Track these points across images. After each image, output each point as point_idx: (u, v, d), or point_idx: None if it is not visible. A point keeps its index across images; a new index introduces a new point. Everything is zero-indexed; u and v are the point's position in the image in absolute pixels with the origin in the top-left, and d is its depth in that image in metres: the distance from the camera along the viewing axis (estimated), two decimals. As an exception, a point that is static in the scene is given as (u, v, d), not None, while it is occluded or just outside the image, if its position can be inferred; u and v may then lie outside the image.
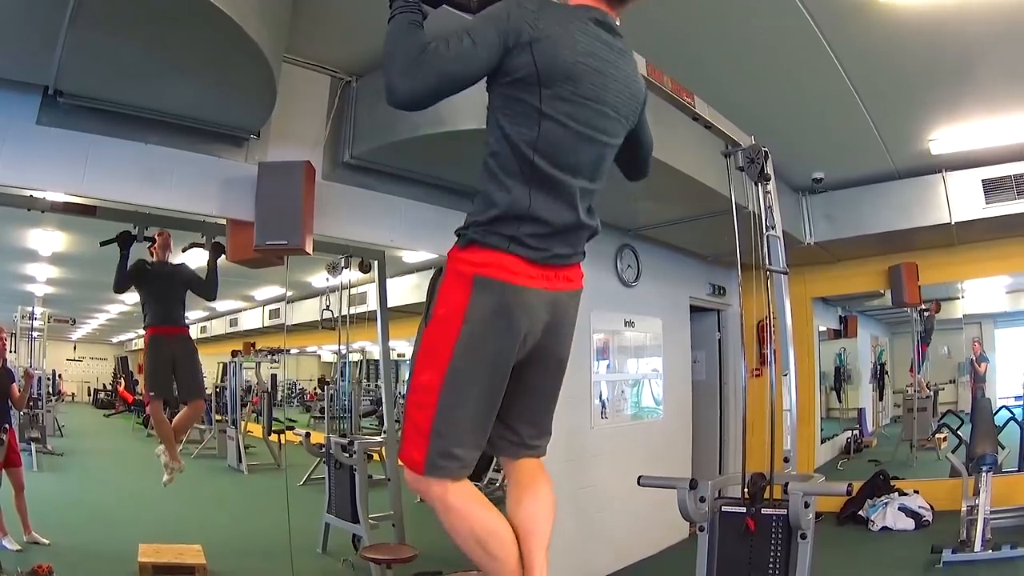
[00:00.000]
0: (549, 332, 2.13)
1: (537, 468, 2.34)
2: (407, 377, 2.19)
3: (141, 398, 6.08)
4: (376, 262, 5.43)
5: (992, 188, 6.70)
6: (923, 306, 8.68)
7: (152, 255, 5.13)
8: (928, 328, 9.16)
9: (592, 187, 2.18)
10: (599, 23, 2.14)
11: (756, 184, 4.10)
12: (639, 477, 4.12)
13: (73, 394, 6.24)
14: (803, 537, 3.66)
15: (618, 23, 2.21)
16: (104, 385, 6.52)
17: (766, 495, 3.91)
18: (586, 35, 2.08)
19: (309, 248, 4.13)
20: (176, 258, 5.25)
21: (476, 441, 2.07)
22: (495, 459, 3.07)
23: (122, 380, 6.55)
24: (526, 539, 2.16)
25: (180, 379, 5.24)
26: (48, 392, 5.77)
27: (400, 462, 2.12)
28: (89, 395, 6.45)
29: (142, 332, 5.22)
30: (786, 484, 3.73)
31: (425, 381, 2.02)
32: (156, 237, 5.02)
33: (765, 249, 4.14)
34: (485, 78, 2.05)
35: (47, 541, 4.81)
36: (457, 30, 1.96)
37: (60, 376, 6.08)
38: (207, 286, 5.18)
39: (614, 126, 2.19)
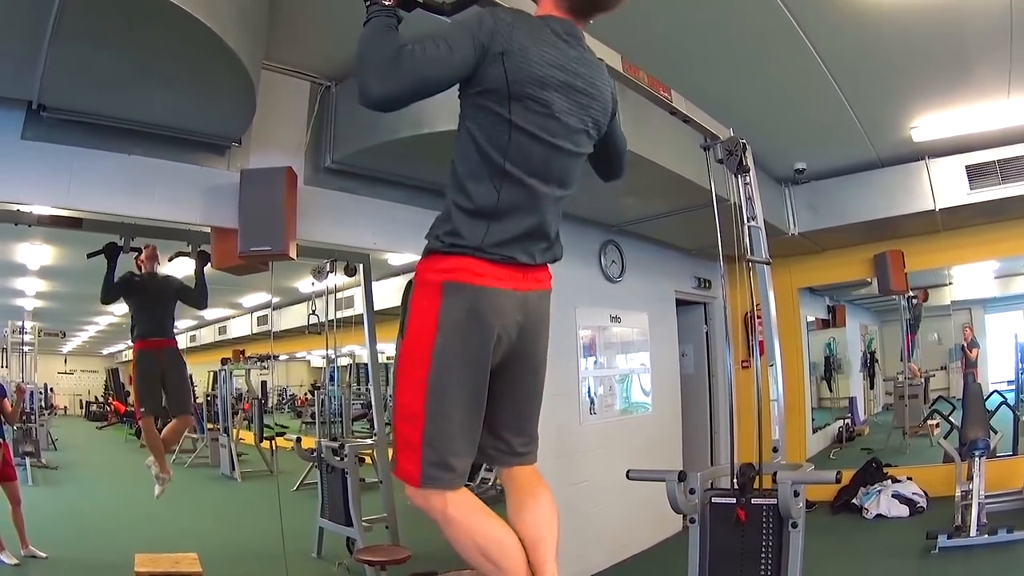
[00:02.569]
0: (523, 333, 2.15)
1: (532, 475, 2.35)
2: (391, 390, 2.21)
3: (133, 409, 6.08)
4: (361, 265, 5.45)
5: (976, 174, 6.73)
6: (911, 293, 8.70)
7: (139, 267, 5.13)
8: (917, 316, 9.19)
9: (562, 194, 2.20)
10: (567, 35, 2.16)
11: (736, 176, 4.11)
12: (628, 471, 4.14)
13: (65, 407, 6.24)
14: (794, 526, 3.67)
15: (584, 36, 2.24)
16: (96, 397, 6.52)
17: (756, 485, 3.92)
18: (556, 48, 2.10)
19: (293, 253, 4.14)
20: (163, 268, 5.25)
21: (467, 448, 2.09)
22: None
23: (113, 392, 6.55)
24: (534, 548, 2.16)
25: (169, 393, 5.25)
26: (41, 406, 5.76)
27: (396, 476, 2.12)
28: (81, 408, 6.44)
29: (132, 344, 5.22)
30: (775, 474, 3.74)
31: (409, 395, 2.05)
32: (143, 249, 5.02)
33: (747, 240, 4.16)
34: (458, 85, 2.07)
35: (44, 555, 4.81)
36: (432, 35, 1.98)
37: (52, 390, 6.08)
38: (196, 295, 5.18)
39: (582, 137, 2.22)
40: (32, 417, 5.58)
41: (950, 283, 9.04)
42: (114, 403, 6.51)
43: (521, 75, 2.01)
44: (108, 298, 5.04)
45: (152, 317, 5.23)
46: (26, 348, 5.55)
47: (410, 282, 2.17)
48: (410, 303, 2.10)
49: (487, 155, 2.03)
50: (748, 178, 4.15)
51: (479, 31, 1.99)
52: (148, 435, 5.13)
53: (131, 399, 6.08)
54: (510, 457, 2.30)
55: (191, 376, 6.01)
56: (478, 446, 2.16)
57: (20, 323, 5.59)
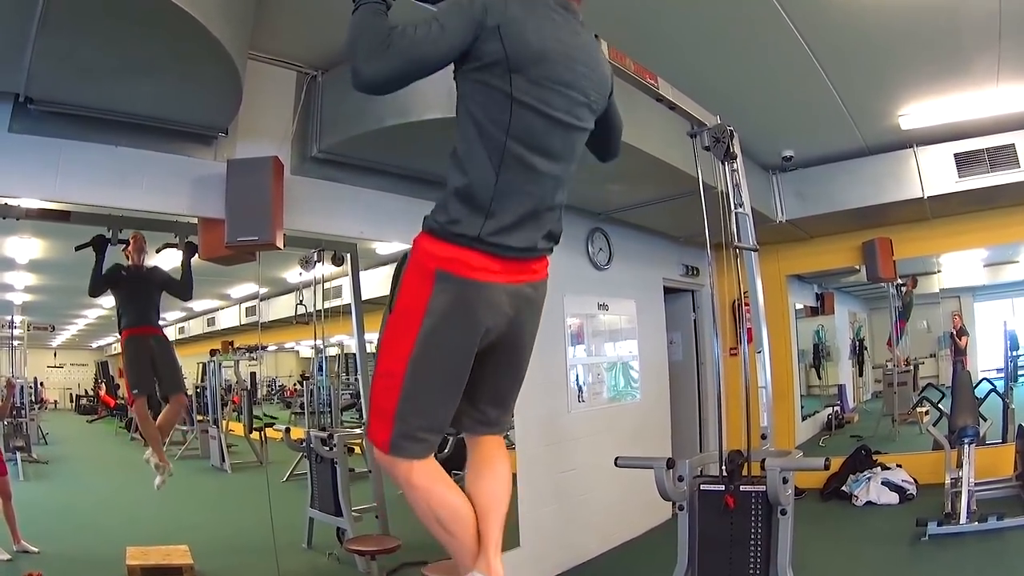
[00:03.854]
0: (513, 323, 2.17)
1: (496, 446, 2.40)
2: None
3: (123, 402, 6.07)
4: (348, 255, 5.46)
5: (964, 162, 6.75)
6: (900, 281, 8.73)
7: (127, 258, 5.11)
8: (907, 304, 9.22)
9: (564, 171, 2.19)
10: (563, 8, 2.16)
11: (723, 163, 4.12)
12: (616, 458, 4.15)
13: (56, 401, 6.20)
14: (783, 513, 3.69)
15: (579, 12, 2.24)
16: (86, 391, 6.49)
17: (744, 472, 3.93)
18: (553, 21, 2.10)
19: (280, 243, 4.13)
20: (151, 259, 5.23)
21: (439, 424, 2.14)
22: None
23: (103, 385, 6.52)
24: (484, 517, 2.23)
25: (160, 375, 5.25)
26: (31, 400, 5.73)
27: (367, 438, 2.20)
28: (71, 401, 6.41)
29: (119, 335, 5.21)
30: (763, 460, 3.75)
31: (389, 368, 2.08)
32: (130, 240, 5.01)
33: (734, 227, 4.16)
34: (452, 65, 2.06)
35: (36, 549, 4.79)
36: (425, 17, 1.98)
37: (42, 384, 6.05)
38: (182, 287, 5.17)
39: (584, 111, 2.21)
40: (23, 412, 5.56)
41: (939, 271, 9.08)
42: (103, 396, 6.47)
43: (520, 47, 2.00)
44: (96, 291, 5.03)
45: (138, 308, 5.22)
46: (15, 343, 5.52)
47: (404, 257, 2.16)
48: (402, 279, 2.11)
49: (488, 133, 2.02)
50: (735, 165, 4.16)
51: (471, 8, 1.99)
52: (142, 421, 5.13)
53: (121, 391, 6.05)
54: (482, 426, 2.36)
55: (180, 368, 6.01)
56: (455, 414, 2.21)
57: (9, 317, 5.56)
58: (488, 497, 2.27)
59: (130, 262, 5.12)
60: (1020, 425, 7.05)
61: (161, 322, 5.46)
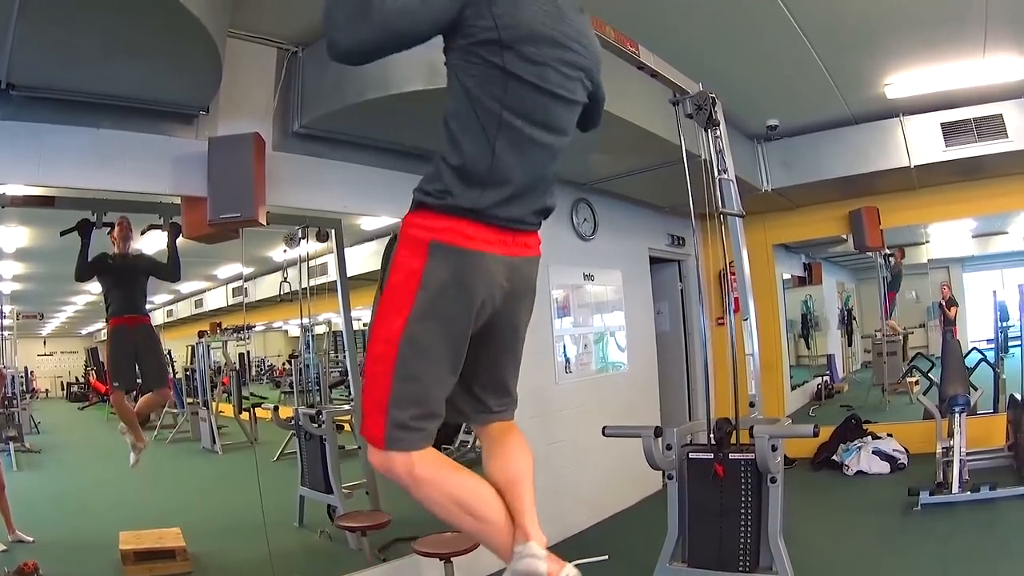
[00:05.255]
0: (508, 299, 2.09)
1: (507, 426, 2.31)
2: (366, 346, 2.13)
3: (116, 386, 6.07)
4: (333, 231, 5.43)
5: (951, 131, 6.77)
6: (887, 251, 8.76)
7: (114, 245, 5.10)
8: (896, 274, 9.24)
9: (560, 142, 2.16)
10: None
11: (706, 131, 4.11)
12: (604, 427, 4.15)
13: (47, 390, 6.18)
14: (773, 481, 3.70)
15: None
16: (76, 378, 6.47)
17: (733, 440, 3.94)
18: None
19: (263, 219, 4.13)
20: (136, 242, 5.22)
21: (435, 410, 2.01)
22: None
23: (93, 372, 6.51)
24: (510, 489, 2.10)
25: (144, 368, 5.24)
26: (22, 390, 5.72)
27: (362, 436, 2.06)
28: (62, 389, 6.39)
29: (106, 322, 5.21)
30: (752, 428, 3.76)
31: (381, 350, 1.97)
32: (115, 226, 4.99)
33: (719, 193, 4.16)
34: (441, 37, 2.00)
35: (31, 538, 4.79)
36: None
37: (32, 373, 6.03)
38: (168, 269, 5.15)
39: (577, 85, 2.17)
40: (14, 401, 5.54)
41: (927, 241, 9.10)
42: (94, 383, 6.46)
43: (512, 22, 1.94)
44: (82, 276, 5.01)
45: (125, 295, 5.20)
46: (5, 332, 5.50)
47: (394, 236, 2.10)
48: (392, 257, 2.02)
49: (483, 106, 1.96)
50: (718, 132, 4.15)
51: None
52: (120, 408, 5.12)
53: (106, 371, 6.05)
54: (487, 415, 2.27)
55: (169, 351, 5.99)
56: (454, 406, 2.12)
57: (-2, 308, 5.54)
58: (509, 470, 2.16)
59: (116, 249, 5.10)
60: (1011, 395, 7.10)
61: (149, 305, 5.44)
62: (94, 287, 5.36)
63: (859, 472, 7.43)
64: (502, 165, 1.98)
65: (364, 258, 5.62)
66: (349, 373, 5.76)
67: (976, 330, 8.84)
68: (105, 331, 5.33)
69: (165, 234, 4.99)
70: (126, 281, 5.20)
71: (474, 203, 1.96)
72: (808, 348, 10.25)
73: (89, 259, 4.89)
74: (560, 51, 2.06)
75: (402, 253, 2.00)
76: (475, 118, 1.97)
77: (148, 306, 5.44)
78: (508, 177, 2.00)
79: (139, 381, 5.29)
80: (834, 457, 7.71)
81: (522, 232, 2.11)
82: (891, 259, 9.05)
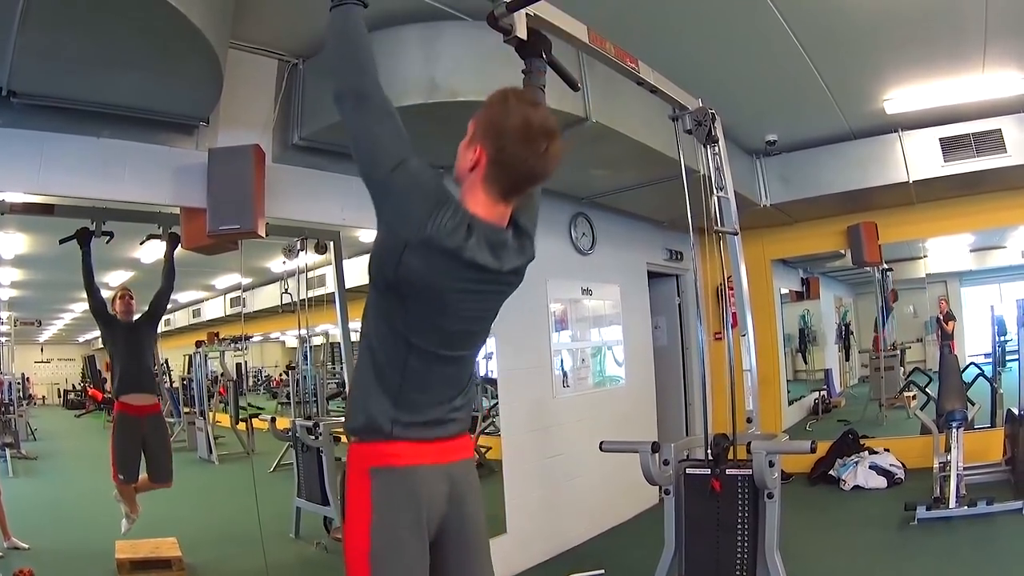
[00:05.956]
0: (453, 503, 2.17)
1: None
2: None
3: (110, 396, 6.04)
4: (331, 243, 5.44)
5: (950, 146, 6.79)
6: (885, 266, 8.75)
7: (117, 315, 5.08)
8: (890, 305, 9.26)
9: (478, 348, 2.29)
10: (493, 245, 2.06)
11: (705, 147, 4.12)
12: (601, 442, 4.15)
13: (44, 397, 6.18)
14: (770, 497, 3.69)
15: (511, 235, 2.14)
16: (73, 385, 6.46)
17: (730, 456, 3.94)
18: (465, 273, 2.03)
19: (262, 231, 4.14)
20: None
21: None
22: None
23: (90, 380, 6.50)
24: None
25: (150, 460, 5.09)
26: (19, 396, 5.71)
27: None
28: (59, 396, 6.39)
29: (114, 398, 5.16)
30: (749, 444, 3.76)
31: (354, 567, 2.08)
32: (116, 300, 5.01)
33: (716, 211, 4.17)
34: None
35: (27, 545, 4.78)
36: (400, 126, 2.04)
37: (29, 379, 6.02)
38: (165, 278, 5.13)
39: (495, 306, 2.23)
40: (11, 408, 5.54)
41: (925, 256, 9.10)
42: (91, 391, 6.45)
43: (419, 282, 1.99)
44: (90, 282, 4.98)
45: (131, 370, 5.14)
46: (2, 339, 5.49)
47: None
48: (347, 489, 2.13)
49: (395, 332, 2.06)
50: (717, 148, 4.16)
51: (424, 188, 2.02)
52: (121, 492, 5.04)
53: (108, 385, 6.02)
54: None
55: (166, 361, 5.99)
56: None
57: (-3, 314, 5.53)
58: None
59: (120, 319, 5.09)
60: (1009, 410, 7.10)
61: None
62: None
63: (856, 487, 7.41)
64: (413, 387, 2.08)
65: (362, 270, 5.59)
66: (346, 385, 5.76)
67: (974, 344, 8.85)
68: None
69: (163, 244, 4.99)
70: (133, 349, 5.16)
71: (392, 430, 2.06)
72: (805, 362, 10.26)
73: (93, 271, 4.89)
74: (467, 322, 2.15)
75: (351, 483, 2.12)
76: (389, 341, 2.08)
77: (154, 377, 5.43)
78: (426, 394, 2.11)
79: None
80: (831, 472, 7.69)
81: (450, 439, 2.18)
82: (889, 273, 9.03)
